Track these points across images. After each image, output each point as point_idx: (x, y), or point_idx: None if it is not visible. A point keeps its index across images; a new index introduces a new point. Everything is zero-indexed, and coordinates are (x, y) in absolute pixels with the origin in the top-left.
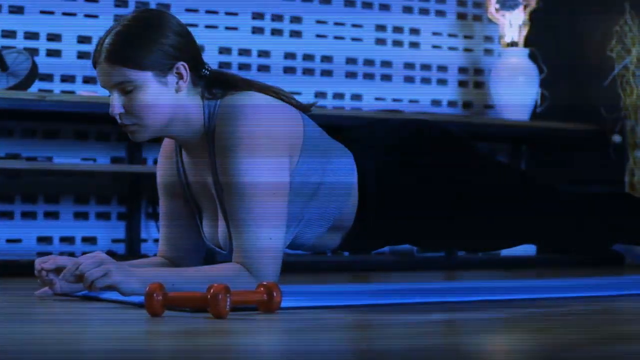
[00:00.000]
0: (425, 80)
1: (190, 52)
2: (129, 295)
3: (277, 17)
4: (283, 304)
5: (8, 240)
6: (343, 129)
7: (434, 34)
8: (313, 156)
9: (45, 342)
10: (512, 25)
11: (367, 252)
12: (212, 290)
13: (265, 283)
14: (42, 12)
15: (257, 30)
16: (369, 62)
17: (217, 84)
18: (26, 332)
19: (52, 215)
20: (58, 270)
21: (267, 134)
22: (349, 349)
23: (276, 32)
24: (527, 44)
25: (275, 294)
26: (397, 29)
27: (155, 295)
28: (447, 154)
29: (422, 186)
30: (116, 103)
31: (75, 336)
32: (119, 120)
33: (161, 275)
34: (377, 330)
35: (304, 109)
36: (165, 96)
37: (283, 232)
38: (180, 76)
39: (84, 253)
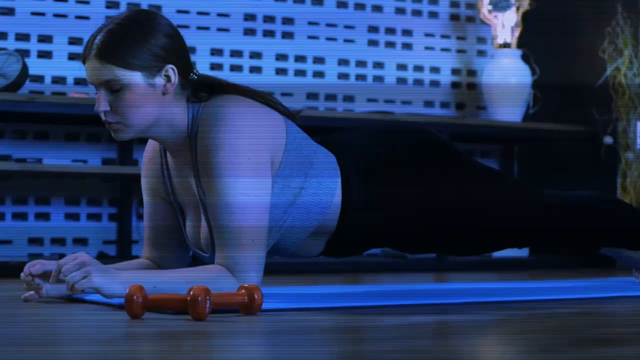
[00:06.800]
0: (418, 82)
1: (180, 56)
2: (111, 298)
3: (269, 19)
4: (264, 306)
5: None
6: (326, 132)
7: (427, 35)
8: (295, 161)
9: (26, 344)
10: (505, 26)
11: (351, 256)
12: (191, 293)
13: (246, 285)
14: (33, 13)
15: (248, 32)
16: (361, 64)
17: (203, 87)
18: (9, 333)
19: (43, 217)
20: (45, 274)
21: (248, 137)
22: (330, 352)
23: (268, 34)
24: (519, 45)
25: (256, 296)
26: (390, 30)
27: (135, 297)
28: (429, 157)
29: (405, 189)
30: (102, 100)
31: (55, 338)
32: (103, 118)
33: (143, 277)
34: (360, 332)
35: (290, 115)
36: (152, 98)
37: (265, 235)
38: (168, 79)
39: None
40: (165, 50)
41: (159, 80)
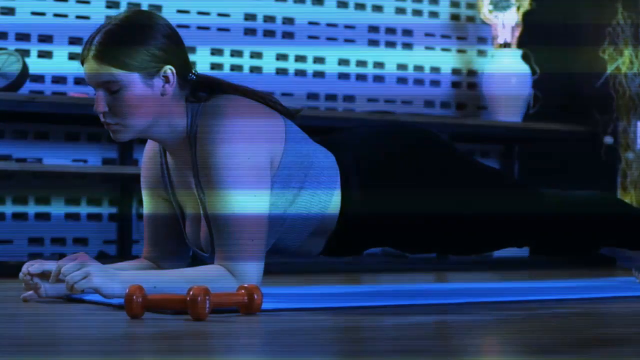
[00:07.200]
0: (419, 82)
1: (179, 56)
2: (110, 298)
3: (269, 18)
4: (264, 306)
5: None
6: (326, 132)
7: (427, 35)
8: (295, 160)
9: (26, 344)
10: (505, 26)
11: (350, 255)
12: (191, 293)
13: (246, 285)
14: (34, 13)
15: (249, 32)
16: (361, 63)
17: (202, 87)
18: (8, 333)
19: (43, 217)
20: (44, 274)
21: (247, 137)
22: (330, 352)
23: (268, 34)
24: (519, 45)
25: (256, 296)
26: (390, 30)
27: (134, 297)
28: (429, 156)
29: (405, 189)
30: (101, 101)
31: (55, 338)
32: (102, 119)
33: (142, 277)
34: (360, 332)
35: (290, 114)
36: (150, 99)
37: (265, 235)
38: (166, 80)
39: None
40: (164, 51)
41: (158, 81)
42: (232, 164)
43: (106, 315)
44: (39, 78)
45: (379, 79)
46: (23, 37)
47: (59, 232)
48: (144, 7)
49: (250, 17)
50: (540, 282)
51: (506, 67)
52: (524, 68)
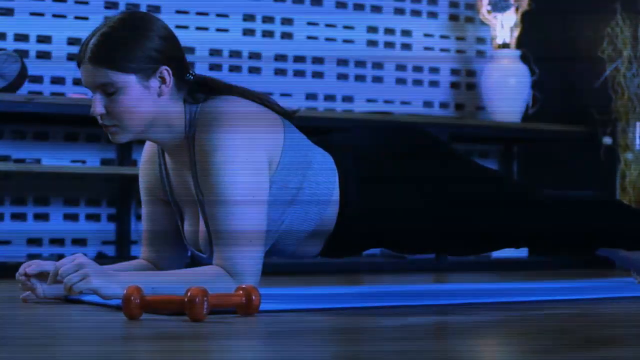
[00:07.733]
0: (417, 82)
1: (175, 57)
2: (108, 299)
3: (268, 19)
4: (262, 307)
5: None
6: (325, 133)
7: (426, 35)
8: (293, 161)
9: (24, 345)
10: (504, 26)
11: (349, 257)
12: (189, 294)
13: (244, 286)
14: (32, 13)
15: (248, 32)
16: (360, 64)
17: (200, 88)
18: (6, 334)
19: (41, 217)
20: (41, 274)
21: (245, 138)
22: (328, 353)
23: (267, 34)
24: (518, 45)
25: (254, 297)
26: (389, 31)
27: (132, 298)
28: (427, 158)
29: (403, 190)
30: (98, 103)
31: (53, 339)
32: (99, 121)
33: (141, 278)
34: (359, 333)
35: (287, 115)
36: (147, 100)
37: (263, 236)
38: (163, 80)
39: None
40: (159, 52)
41: (154, 82)
42: (230, 165)
43: (104, 316)
44: (38, 79)
45: (377, 79)
46: (22, 37)
47: (57, 232)
48: (143, 8)
49: (249, 17)
50: (539, 283)
51: (505, 68)
52: (523, 68)
